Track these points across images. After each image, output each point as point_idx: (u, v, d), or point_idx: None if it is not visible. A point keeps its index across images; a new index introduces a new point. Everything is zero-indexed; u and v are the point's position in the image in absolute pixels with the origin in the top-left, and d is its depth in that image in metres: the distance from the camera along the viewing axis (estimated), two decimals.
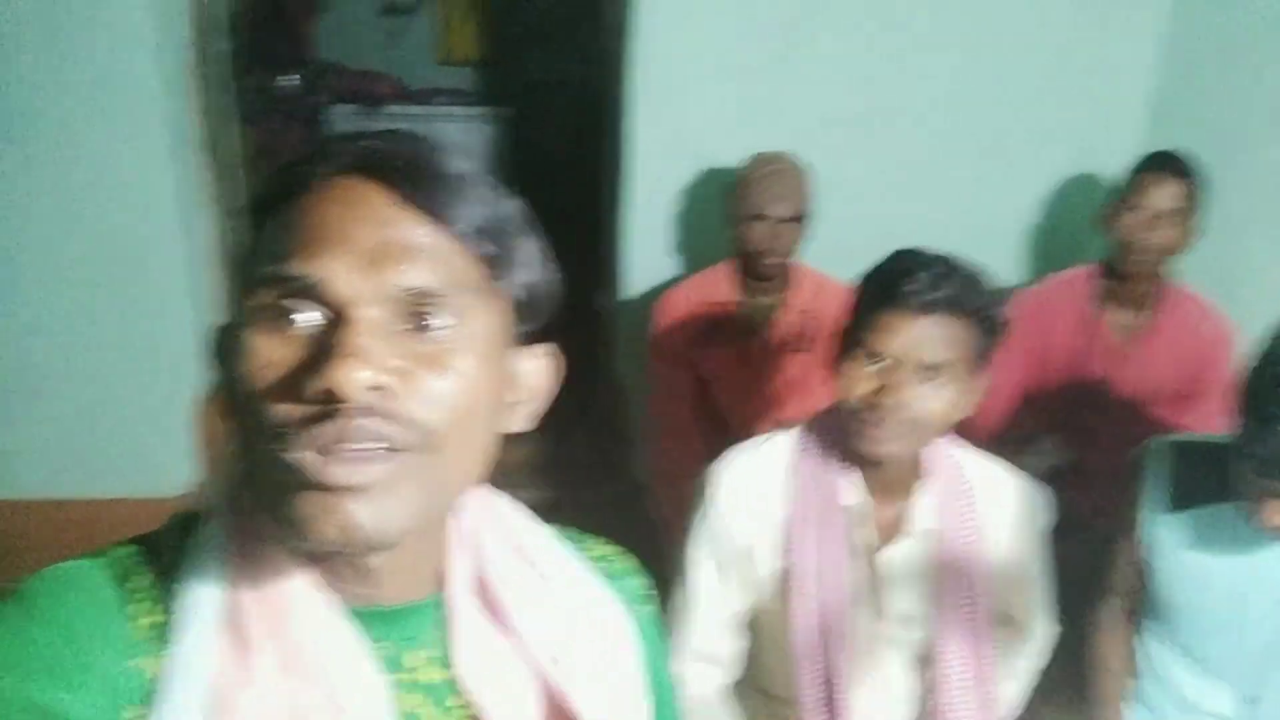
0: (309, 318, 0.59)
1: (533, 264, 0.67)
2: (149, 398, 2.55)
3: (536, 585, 0.73)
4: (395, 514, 0.59)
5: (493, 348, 0.64)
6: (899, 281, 1.28)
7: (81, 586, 0.62)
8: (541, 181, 4.99)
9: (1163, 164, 2.13)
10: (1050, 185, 2.79)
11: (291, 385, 0.57)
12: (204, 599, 0.62)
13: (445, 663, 0.69)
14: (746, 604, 1.51)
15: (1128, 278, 2.16)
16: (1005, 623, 1.60)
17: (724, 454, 1.50)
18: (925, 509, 1.43)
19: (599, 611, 0.76)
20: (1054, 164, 2.77)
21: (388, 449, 0.58)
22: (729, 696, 1.57)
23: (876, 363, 1.30)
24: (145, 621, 0.62)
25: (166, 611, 0.62)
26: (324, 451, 0.56)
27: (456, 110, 5.26)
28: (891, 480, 1.43)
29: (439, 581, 0.71)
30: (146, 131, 2.42)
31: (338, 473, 0.57)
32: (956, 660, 1.45)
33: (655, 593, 0.86)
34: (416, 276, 0.59)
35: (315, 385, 0.56)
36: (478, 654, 0.69)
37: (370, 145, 0.62)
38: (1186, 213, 2.08)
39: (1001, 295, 1.37)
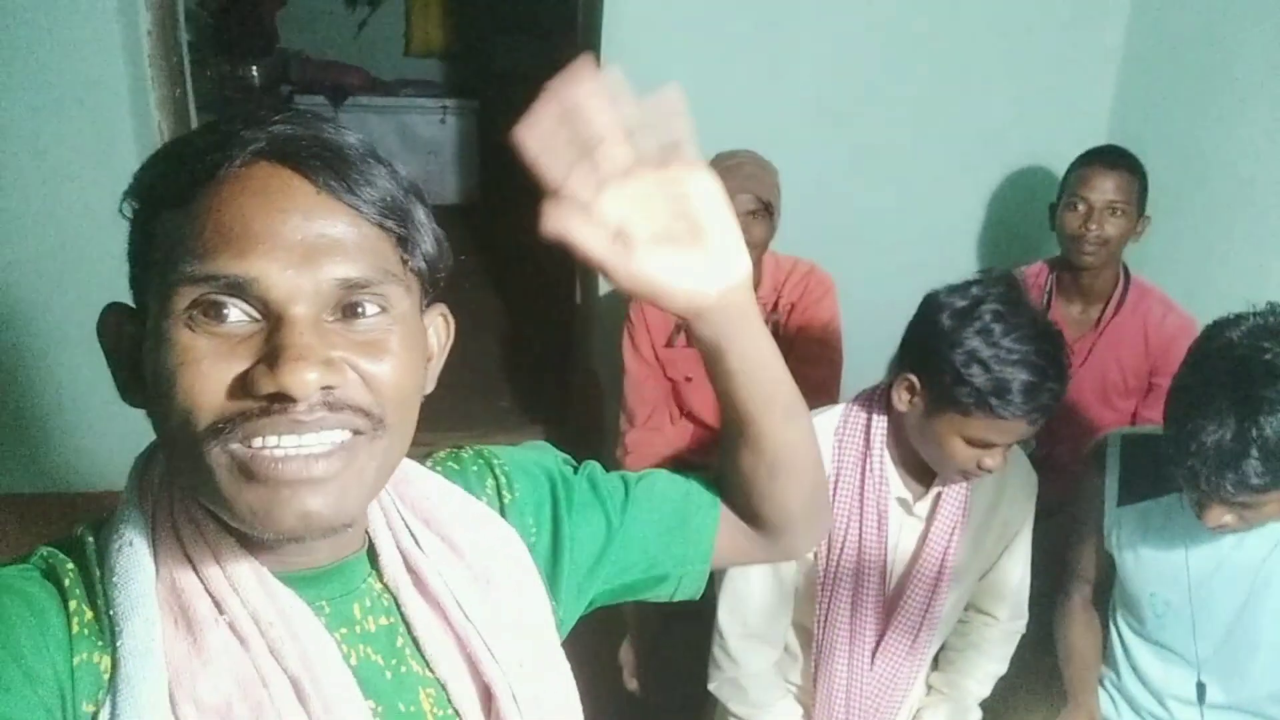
0: (242, 314, 0.59)
1: (430, 233, 0.67)
2: (110, 392, 2.48)
3: (441, 550, 0.74)
4: (350, 498, 0.61)
5: (413, 326, 0.65)
6: (1009, 394, 1.34)
7: (14, 590, 0.60)
8: (510, 174, 5.01)
9: (1103, 157, 2.16)
10: (1014, 180, 2.82)
11: (239, 390, 0.57)
12: (141, 588, 0.61)
13: (383, 609, 0.71)
14: (796, 583, 1.58)
15: (1079, 271, 2.19)
16: (985, 599, 1.65)
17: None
18: (951, 490, 1.54)
19: (502, 559, 0.77)
20: (1017, 159, 2.79)
21: (337, 441, 0.59)
22: (779, 672, 1.66)
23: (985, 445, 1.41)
24: (86, 617, 0.61)
25: (102, 605, 0.61)
26: (276, 447, 0.57)
27: (424, 102, 5.22)
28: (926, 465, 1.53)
29: (362, 534, 0.72)
30: (111, 123, 2.38)
31: (292, 468, 0.58)
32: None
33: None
34: (347, 268, 0.60)
35: (267, 388, 0.56)
36: (412, 602, 0.71)
37: (280, 131, 0.60)
38: (1128, 205, 2.11)
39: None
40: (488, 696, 0.71)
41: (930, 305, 1.42)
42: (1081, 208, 2.12)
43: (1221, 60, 2.33)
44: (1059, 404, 1.38)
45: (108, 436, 2.57)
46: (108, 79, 2.36)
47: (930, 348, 1.39)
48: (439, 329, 0.74)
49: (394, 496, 0.75)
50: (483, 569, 0.74)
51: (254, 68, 4.60)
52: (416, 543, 0.73)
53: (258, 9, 4.65)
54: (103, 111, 2.37)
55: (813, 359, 2.23)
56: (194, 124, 2.80)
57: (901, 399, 1.45)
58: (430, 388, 0.71)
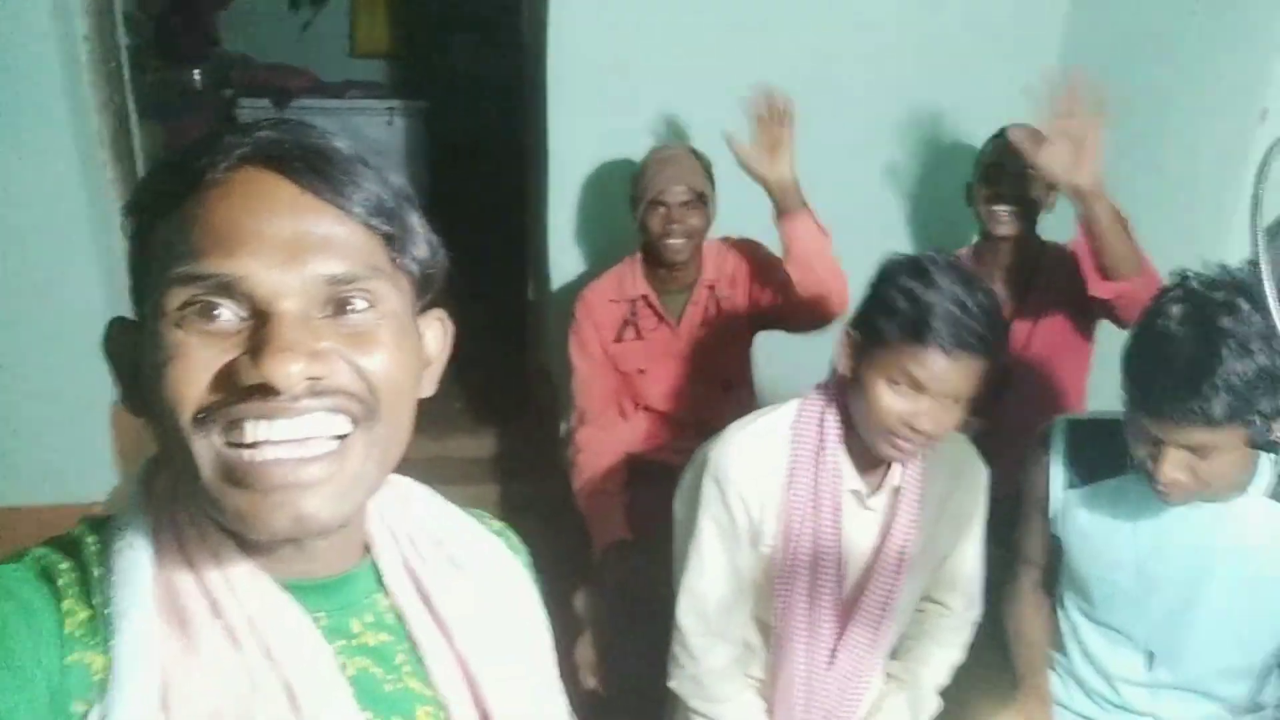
0: (231, 313, 0.60)
1: (423, 238, 0.69)
2: (62, 402, 2.43)
3: (449, 570, 0.75)
4: (343, 499, 0.62)
5: (404, 322, 0.67)
6: (929, 319, 1.35)
7: (7, 589, 0.61)
8: (458, 175, 4.99)
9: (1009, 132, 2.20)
10: (967, 164, 2.86)
11: (224, 381, 0.58)
12: (139, 588, 0.62)
13: (385, 626, 0.71)
14: (754, 578, 1.60)
15: (998, 244, 2.23)
16: (940, 590, 1.67)
17: (724, 435, 1.59)
18: (905, 476, 1.55)
19: (506, 584, 0.79)
20: (972, 142, 2.83)
21: (328, 438, 0.60)
22: (740, 666, 1.66)
23: (910, 392, 1.39)
24: (80, 617, 0.61)
25: (98, 606, 0.62)
26: (264, 443, 0.58)
27: (371, 103, 5.17)
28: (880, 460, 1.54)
29: (364, 548, 0.73)
30: (51, 129, 2.33)
31: (280, 473, 0.58)
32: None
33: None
34: (333, 265, 0.61)
35: (251, 379, 0.57)
36: (419, 620, 0.72)
37: (264, 136, 0.62)
38: (1039, 172, 2.12)
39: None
40: (485, 718, 0.72)
41: (880, 266, 1.48)
42: (991, 179, 2.18)
43: (1164, 45, 2.39)
44: (987, 363, 1.39)
45: (76, 449, 2.53)
46: (44, 84, 2.30)
47: (867, 296, 1.46)
48: (436, 333, 0.75)
49: (402, 514, 0.76)
50: (489, 592, 0.76)
51: (195, 71, 4.51)
52: (425, 562, 0.74)
53: (197, 11, 4.56)
54: (40, 117, 2.32)
55: (801, 290, 2.14)
56: (134, 129, 2.75)
57: (843, 362, 1.48)
58: (429, 392, 0.72)
